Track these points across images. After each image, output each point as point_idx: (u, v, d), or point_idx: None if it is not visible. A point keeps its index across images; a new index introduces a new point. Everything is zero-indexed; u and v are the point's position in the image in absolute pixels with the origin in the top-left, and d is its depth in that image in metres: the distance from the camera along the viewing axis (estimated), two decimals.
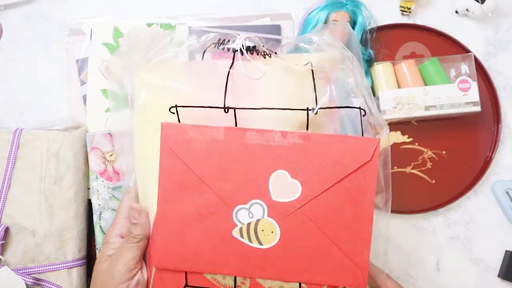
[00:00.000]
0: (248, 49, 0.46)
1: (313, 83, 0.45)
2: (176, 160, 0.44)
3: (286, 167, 0.43)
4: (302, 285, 0.45)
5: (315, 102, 0.44)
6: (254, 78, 0.46)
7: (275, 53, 0.47)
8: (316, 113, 0.44)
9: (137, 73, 0.48)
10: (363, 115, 0.45)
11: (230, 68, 0.46)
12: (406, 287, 0.66)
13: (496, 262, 0.66)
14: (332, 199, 0.43)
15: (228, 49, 0.46)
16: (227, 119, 0.44)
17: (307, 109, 0.44)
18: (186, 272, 0.45)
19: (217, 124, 0.44)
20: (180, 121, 0.45)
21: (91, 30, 0.67)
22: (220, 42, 0.47)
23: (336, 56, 0.47)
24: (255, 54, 0.46)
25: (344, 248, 0.43)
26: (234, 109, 0.44)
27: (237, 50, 0.46)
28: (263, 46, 0.46)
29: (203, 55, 0.48)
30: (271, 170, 0.43)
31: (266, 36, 0.50)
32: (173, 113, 0.45)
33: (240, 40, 0.46)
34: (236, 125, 0.44)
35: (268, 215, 0.43)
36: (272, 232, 0.43)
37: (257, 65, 0.46)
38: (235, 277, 0.45)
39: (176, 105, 0.45)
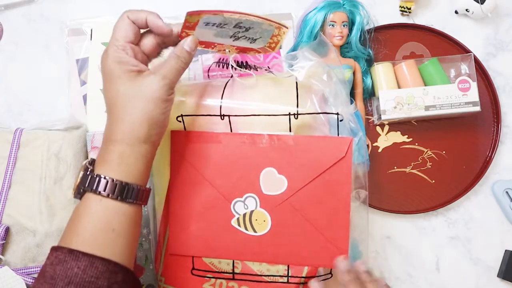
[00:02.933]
0: (242, 65, 0.55)
1: (296, 93, 0.51)
2: (184, 162, 0.51)
3: (273, 165, 0.50)
4: (285, 266, 0.51)
5: (297, 108, 0.51)
6: (249, 86, 0.53)
7: (268, 67, 0.55)
8: (296, 118, 0.50)
9: None
10: (341, 120, 0.51)
11: (227, 83, 0.53)
12: (406, 287, 0.66)
13: (496, 262, 0.66)
14: (314, 191, 0.49)
15: (225, 66, 0.55)
16: (226, 125, 0.51)
17: (289, 114, 0.50)
18: (193, 258, 0.52)
19: (217, 129, 0.51)
20: (186, 128, 0.52)
21: (91, 30, 0.67)
22: (219, 61, 0.56)
23: (318, 70, 0.53)
24: (248, 69, 0.55)
25: (326, 234, 0.50)
26: (229, 116, 0.51)
27: (232, 66, 0.53)
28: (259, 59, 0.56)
29: (208, 73, 0.58)
30: (261, 168, 0.50)
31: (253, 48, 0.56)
32: (180, 121, 0.52)
33: (231, 59, 0.53)
34: (231, 130, 0.51)
35: (260, 206, 0.50)
36: (264, 221, 0.50)
37: (254, 77, 0.54)
38: (232, 261, 0.52)
39: (181, 114, 0.52)
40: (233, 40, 0.49)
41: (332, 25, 0.62)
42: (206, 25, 0.45)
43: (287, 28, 0.48)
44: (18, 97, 0.69)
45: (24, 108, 0.68)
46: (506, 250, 0.66)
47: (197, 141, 0.51)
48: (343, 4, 0.63)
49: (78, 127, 0.64)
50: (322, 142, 0.49)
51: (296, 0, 0.70)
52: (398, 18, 0.70)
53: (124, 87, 0.44)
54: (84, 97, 0.67)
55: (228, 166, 0.51)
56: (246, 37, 0.49)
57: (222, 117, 0.51)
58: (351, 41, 0.64)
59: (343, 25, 0.62)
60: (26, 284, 0.56)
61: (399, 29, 0.69)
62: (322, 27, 0.63)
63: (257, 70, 0.55)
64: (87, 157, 0.62)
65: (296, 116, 0.50)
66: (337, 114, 0.51)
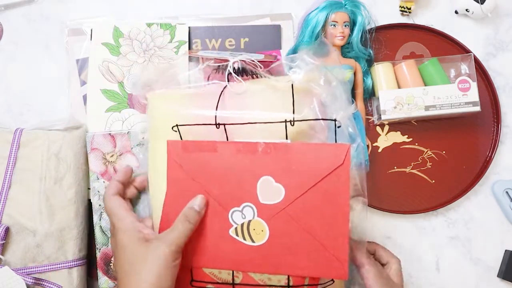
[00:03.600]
0: (239, 71, 0.53)
1: (292, 99, 0.51)
2: (180, 171, 0.51)
3: (270, 173, 0.49)
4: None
5: (293, 115, 0.50)
6: (241, 95, 0.52)
7: (268, 72, 0.54)
8: (293, 125, 0.50)
9: (150, 99, 0.56)
10: (338, 127, 0.50)
11: (223, 90, 0.53)
12: (406, 287, 0.66)
13: (496, 262, 0.66)
14: (312, 199, 0.48)
15: (223, 72, 0.54)
16: (222, 133, 0.51)
17: (285, 121, 0.50)
18: (191, 269, 0.52)
19: (213, 138, 0.51)
20: (182, 137, 0.52)
21: (91, 30, 0.67)
22: (219, 67, 0.56)
23: (315, 75, 0.52)
24: (245, 75, 0.54)
25: (325, 243, 0.48)
26: (224, 125, 0.51)
27: (230, 73, 0.53)
28: (259, 68, 0.54)
29: (208, 79, 0.56)
30: (258, 177, 0.49)
31: (257, 58, 0.56)
32: (176, 131, 0.52)
33: (231, 65, 0.53)
34: (227, 138, 0.51)
35: (258, 216, 0.49)
36: (262, 231, 0.49)
37: (243, 84, 0.53)
38: (232, 272, 0.51)
39: (177, 124, 0.52)
40: (232, 56, 0.52)
41: (334, 25, 0.62)
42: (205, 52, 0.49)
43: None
44: (18, 97, 0.69)
45: (24, 108, 0.68)
46: (506, 250, 0.66)
47: (193, 150, 0.50)
48: (345, 4, 0.63)
49: (78, 127, 0.64)
50: (319, 149, 0.48)
51: (296, 0, 0.70)
52: (398, 18, 0.70)
53: (131, 256, 0.46)
54: (84, 97, 0.67)
55: (225, 175, 0.50)
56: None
57: (218, 126, 0.51)
58: (352, 41, 0.64)
59: (345, 25, 0.62)
60: (26, 284, 0.56)
61: (399, 29, 0.69)
62: (324, 27, 0.63)
63: (253, 77, 0.54)
64: (87, 157, 0.62)
65: (292, 123, 0.50)
66: (335, 120, 0.50)
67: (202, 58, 0.63)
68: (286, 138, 0.50)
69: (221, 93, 0.52)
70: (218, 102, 0.52)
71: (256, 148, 0.49)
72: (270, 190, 0.49)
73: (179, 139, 0.52)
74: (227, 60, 0.55)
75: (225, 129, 0.51)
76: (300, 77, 0.52)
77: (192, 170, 0.51)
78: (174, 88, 0.56)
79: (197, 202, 0.49)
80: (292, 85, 0.51)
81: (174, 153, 0.52)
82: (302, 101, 0.51)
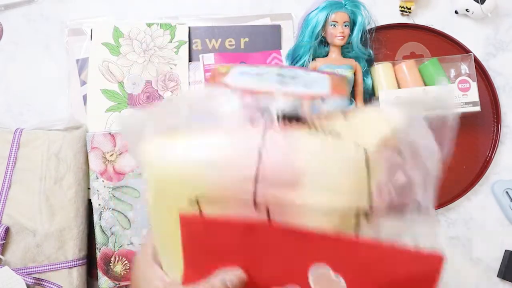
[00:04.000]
0: (287, 116, 0.34)
1: (367, 174, 0.33)
2: (199, 251, 0.39)
3: (327, 263, 0.36)
4: None
5: (368, 199, 0.33)
6: (289, 154, 0.33)
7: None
8: (368, 219, 0.34)
9: (146, 148, 0.37)
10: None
11: (263, 138, 0.34)
12: None
13: (496, 262, 0.66)
14: None
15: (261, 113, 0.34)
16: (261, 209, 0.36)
17: (359, 214, 0.33)
18: None
19: (248, 212, 0.35)
20: (203, 211, 0.37)
21: (91, 30, 0.67)
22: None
23: (399, 132, 0.35)
24: (295, 121, 0.35)
25: None
26: (267, 207, 0.34)
27: (271, 116, 0.33)
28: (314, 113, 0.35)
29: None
30: (309, 264, 0.37)
31: (313, 93, 0.35)
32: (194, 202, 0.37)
33: (277, 104, 0.33)
34: (268, 216, 0.35)
35: None
36: None
37: (296, 140, 0.34)
38: None
39: (196, 197, 0.36)
40: (281, 85, 0.35)
41: (334, 25, 0.62)
42: (241, 74, 0.36)
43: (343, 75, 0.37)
44: (18, 97, 0.69)
45: (24, 108, 0.68)
46: (506, 250, 0.66)
47: (220, 228, 0.37)
48: (345, 4, 0.63)
49: (78, 127, 0.64)
50: (398, 253, 0.34)
51: (296, 0, 0.70)
52: (398, 18, 0.70)
53: None
54: (84, 97, 0.67)
55: (264, 258, 0.38)
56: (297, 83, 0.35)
57: (256, 205, 0.34)
58: (352, 41, 0.64)
59: (345, 25, 0.62)
60: (26, 284, 0.56)
61: (399, 29, 0.69)
62: (324, 27, 0.63)
63: (311, 128, 0.34)
64: (87, 157, 0.62)
65: (367, 216, 0.34)
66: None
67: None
68: (356, 234, 0.34)
69: (260, 148, 0.34)
70: (259, 166, 0.33)
71: (310, 238, 0.35)
72: (327, 281, 0.36)
73: (198, 212, 0.37)
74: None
75: (267, 211, 0.34)
76: (377, 137, 0.34)
77: (215, 251, 0.38)
78: (183, 129, 0.36)
79: (229, 277, 0.37)
80: (366, 152, 0.33)
81: (191, 231, 0.38)
82: (378, 175, 0.34)
